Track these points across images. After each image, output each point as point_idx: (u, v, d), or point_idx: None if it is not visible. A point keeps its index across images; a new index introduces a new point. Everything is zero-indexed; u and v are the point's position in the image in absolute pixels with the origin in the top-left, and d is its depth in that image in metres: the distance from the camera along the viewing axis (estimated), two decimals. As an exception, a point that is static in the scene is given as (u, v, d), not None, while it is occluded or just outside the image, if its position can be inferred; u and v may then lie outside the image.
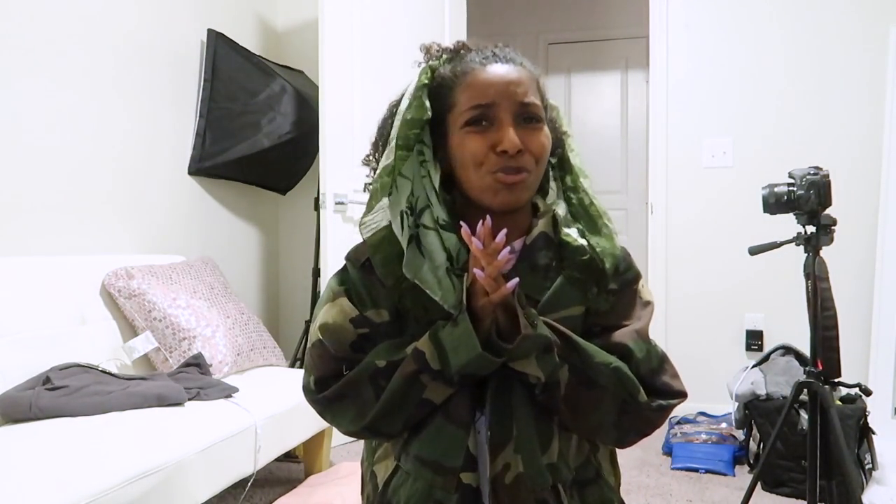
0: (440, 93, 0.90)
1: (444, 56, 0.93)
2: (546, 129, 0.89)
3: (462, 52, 0.92)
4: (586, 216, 0.93)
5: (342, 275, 0.93)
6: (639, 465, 2.60)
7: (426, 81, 0.90)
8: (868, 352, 2.79)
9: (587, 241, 0.90)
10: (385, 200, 0.86)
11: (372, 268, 0.87)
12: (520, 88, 0.87)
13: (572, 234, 0.91)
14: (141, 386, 1.85)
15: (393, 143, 0.87)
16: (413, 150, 0.88)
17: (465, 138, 0.87)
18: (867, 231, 2.84)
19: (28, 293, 1.95)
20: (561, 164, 0.96)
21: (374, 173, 0.91)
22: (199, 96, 2.93)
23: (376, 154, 0.93)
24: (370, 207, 0.87)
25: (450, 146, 0.90)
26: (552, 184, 0.96)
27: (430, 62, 0.92)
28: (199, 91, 2.93)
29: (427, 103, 0.89)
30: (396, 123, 0.89)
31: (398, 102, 0.92)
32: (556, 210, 0.94)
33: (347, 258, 0.93)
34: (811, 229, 1.71)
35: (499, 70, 0.87)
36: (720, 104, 3.12)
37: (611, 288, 0.90)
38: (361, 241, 0.89)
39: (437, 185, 0.89)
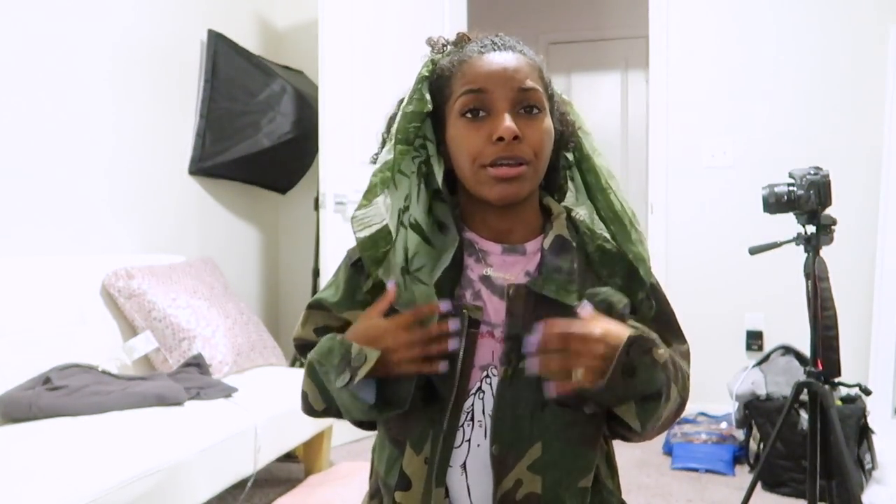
0: (439, 84, 0.86)
1: (448, 48, 0.90)
2: (548, 119, 0.85)
3: (463, 42, 0.88)
4: (616, 220, 0.88)
5: (338, 270, 0.94)
6: (639, 465, 2.59)
7: (426, 74, 0.87)
8: (868, 352, 2.79)
9: (620, 247, 0.87)
10: (381, 197, 0.84)
11: (363, 267, 0.87)
12: (517, 74, 0.82)
13: (608, 239, 0.87)
14: (141, 386, 1.85)
15: (393, 139, 0.85)
16: (413, 144, 0.86)
17: (460, 129, 0.83)
18: (867, 231, 2.84)
19: (28, 293, 1.95)
20: (580, 164, 0.91)
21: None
22: (199, 96, 2.93)
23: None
24: (366, 201, 0.85)
25: (447, 139, 0.86)
26: (569, 185, 0.92)
27: (434, 56, 0.89)
28: (199, 91, 2.93)
29: (427, 96, 0.86)
30: (398, 117, 0.87)
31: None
32: (578, 212, 0.89)
33: (348, 251, 0.93)
34: (811, 229, 1.71)
35: (496, 57, 0.83)
36: (720, 104, 3.12)
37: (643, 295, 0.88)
38: None
39: (440, 180, 0.86)
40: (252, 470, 1.86)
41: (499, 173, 0.81)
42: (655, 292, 0.89)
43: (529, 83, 0.82)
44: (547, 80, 0.87)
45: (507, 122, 0.80)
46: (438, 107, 0.86)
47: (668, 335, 0.89)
